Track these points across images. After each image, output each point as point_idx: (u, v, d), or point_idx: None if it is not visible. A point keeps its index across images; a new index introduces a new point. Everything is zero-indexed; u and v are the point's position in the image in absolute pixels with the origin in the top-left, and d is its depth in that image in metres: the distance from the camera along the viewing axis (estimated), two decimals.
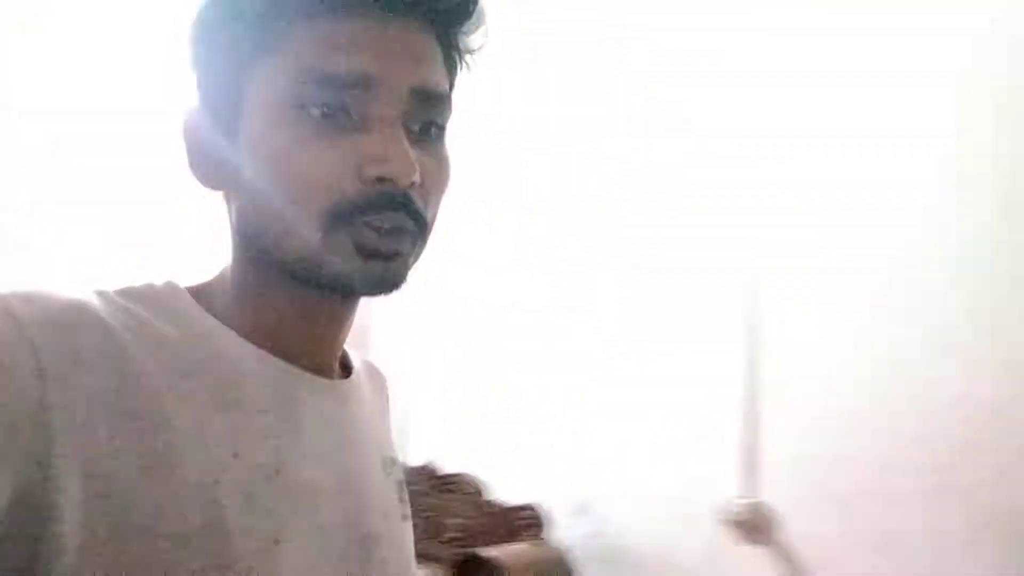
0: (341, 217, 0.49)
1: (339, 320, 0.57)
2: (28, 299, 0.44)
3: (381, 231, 0.50)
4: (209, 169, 0.53)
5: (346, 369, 0.62)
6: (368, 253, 0.50)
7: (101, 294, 0.48)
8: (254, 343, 0.52)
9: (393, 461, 0.64)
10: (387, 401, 0.72)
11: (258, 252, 0.52)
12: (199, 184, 0.54)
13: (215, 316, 0.52)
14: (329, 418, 0.55)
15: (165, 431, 0.45)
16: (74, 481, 0.42)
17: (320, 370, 0.56)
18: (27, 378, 0.41)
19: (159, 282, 0.52)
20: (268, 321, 0.53)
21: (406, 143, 0.49)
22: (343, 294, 0.54)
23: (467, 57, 0.57)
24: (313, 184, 0.48)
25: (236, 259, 0.55)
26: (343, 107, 0.49)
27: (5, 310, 0.42)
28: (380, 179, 0.48)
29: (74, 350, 0.43)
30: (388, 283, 0.51)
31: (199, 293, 0.54)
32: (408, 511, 0.63)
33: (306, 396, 0.54)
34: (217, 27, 0.50)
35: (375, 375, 0.71)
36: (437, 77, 0.52)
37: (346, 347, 0.64)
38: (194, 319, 0.51)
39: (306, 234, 0.49)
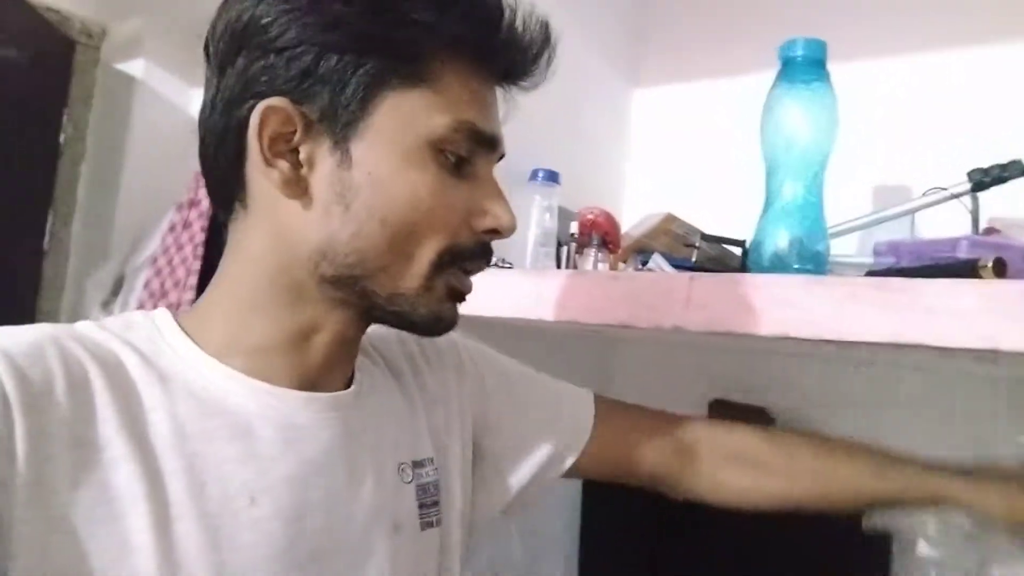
0: (447, 261, 0.51)
1: (359, 340, 0.57)
2: None
3: (468, 275, 0.54)
4: (290, 175, 0.49)
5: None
6: (455, 296, 0.53)
7: (69, 330, 0.48)
8: (243, 368, 0.51)
9: (418, 463, 0.60)
10: (447, 373, 0.68)
11: (325, 275, 0.50)
12: (259, 185, 0.50)
13: (204, 342, 0.52)
14: (317, 435, 0.53)
15: (124, 466, 0.44)
16: (32, 512, 0.41)
17: (321, 386, 0.55)
18: None
19: (139, 314, 0.53)
20: (274, 343, 0.52)
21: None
22: (418, 331, 0.54)
23: None
24: (436, 226, 0.50)
25: (255, 276, 0.52)
26: (469, 159, 0.52)
27: None
28: (490, 231, 0.52)
29: (40, 382, 0.43)
30: (455, 324, 0.54)
31: (192, 318, 0.53)
32: (440, 515, 0.61)
33: (293, 417, 0.52)
34: (352, 39, 0.48)
35: (425, 357, 0.67)
36: None
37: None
38: (169, 348, 0.51)
39: (413, 271, 0.50)
